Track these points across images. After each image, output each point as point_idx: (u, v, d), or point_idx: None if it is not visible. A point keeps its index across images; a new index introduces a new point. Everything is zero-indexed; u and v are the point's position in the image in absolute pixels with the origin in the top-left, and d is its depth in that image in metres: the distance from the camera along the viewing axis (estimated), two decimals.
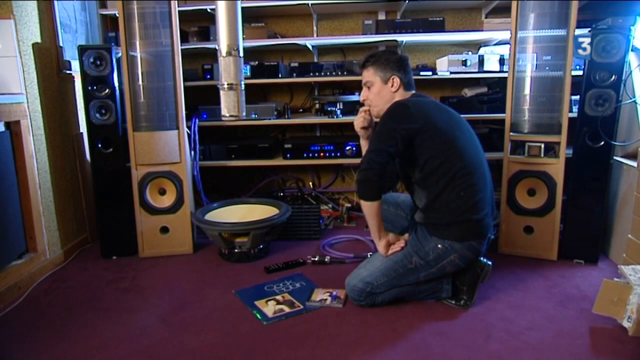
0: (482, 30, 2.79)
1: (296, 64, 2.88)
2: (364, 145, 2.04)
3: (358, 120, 1.98)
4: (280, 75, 2.87)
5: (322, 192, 3.33)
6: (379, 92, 1.89)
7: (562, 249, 2.29)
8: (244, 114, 1.93)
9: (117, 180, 2.43)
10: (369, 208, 1.77)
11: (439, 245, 1.76)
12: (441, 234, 1.77)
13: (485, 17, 3.03)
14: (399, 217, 2.08)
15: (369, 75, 1.90)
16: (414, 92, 1.91)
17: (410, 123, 1.73)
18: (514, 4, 2.21)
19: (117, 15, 2.31)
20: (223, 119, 1.94)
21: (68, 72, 2.57)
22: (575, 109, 2.38)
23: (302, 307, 1.87)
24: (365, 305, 1.84)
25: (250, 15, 3.06)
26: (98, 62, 2.32)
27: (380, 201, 1.76)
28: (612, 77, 2.09)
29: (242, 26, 2.79)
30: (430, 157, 1.74)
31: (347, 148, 2.81)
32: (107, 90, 2.34)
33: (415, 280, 1.82)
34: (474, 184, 1.75)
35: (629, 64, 2.15)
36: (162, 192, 2.49)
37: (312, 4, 2.83)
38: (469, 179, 1.74)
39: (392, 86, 1.87)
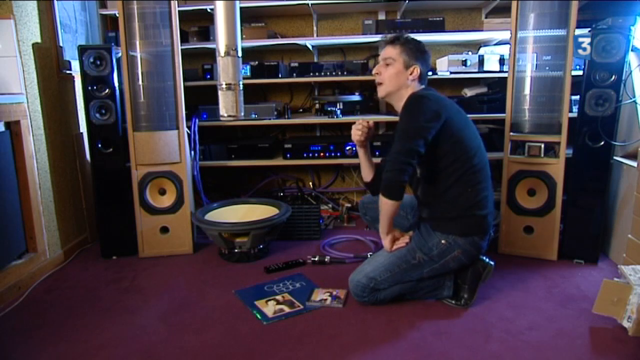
0: (482, 30, 2.79)
1: (296, 64, 2.88)
2: (361, 153, 2.02)
3: (355, 134, 1.96)
4: (280, 75, 2.87)
5: (322, 192, 3.33)
6: (396, 74, 1.81)
7: (562, 249, 2.29)
8: (242, 114, 1.93)
9: (117, 180, 2.43)
10: (390, 207, 1.75)
11: (443, 241, 1.77)
12: (445, 228, 1.78)
13: (485, 17, 3.03)
14: (400, 217, 2.08)
15: (394, 53, 1.82)
16: (424, 86, 1.88)
17: (436, 121, 1.71)
18: (514, 4, 2.21)
19: (117, 15, 2.31)
20: (221, 119, 1.94)
21: (68, 72, 2.57)
22: (575, 109, 2.38)
23: (302, 307, 1.87)
24: (367, 302, 1.84)
25: (250, 15, 3.06)
26: (98, 62, 2.32)
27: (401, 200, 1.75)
28: (612, 77, 2.09)
29: (242, 26, 2.80)
30: (445, 154, 1.74)
31: (347, 148, 2.81)
32: (107, 90, 2.34)
33: (419, 276, 1.82)
34: (480, 181, 1.78)
35: (629, 64, 2.15)
36: (162, 192, 2.49)
37: (312, 4, 2.82)
38: (477, 177, 1.77)
39: (411, 74, 1.81)
